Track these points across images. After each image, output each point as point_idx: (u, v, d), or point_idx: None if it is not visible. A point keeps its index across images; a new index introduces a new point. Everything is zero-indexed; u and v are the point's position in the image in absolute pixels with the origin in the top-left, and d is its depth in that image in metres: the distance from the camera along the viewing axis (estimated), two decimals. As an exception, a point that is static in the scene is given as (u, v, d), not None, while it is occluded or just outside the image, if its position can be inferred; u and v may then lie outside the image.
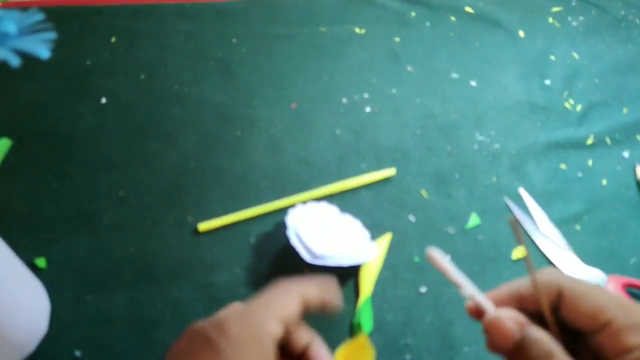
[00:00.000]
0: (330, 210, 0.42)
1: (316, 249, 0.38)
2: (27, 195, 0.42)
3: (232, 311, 0.20)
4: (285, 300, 0.21)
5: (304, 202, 0.43)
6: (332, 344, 0.33)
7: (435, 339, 0.37)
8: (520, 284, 0.22)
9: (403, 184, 0.46)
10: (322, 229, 0.40)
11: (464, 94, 0.53)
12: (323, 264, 0.37)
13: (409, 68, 0.55)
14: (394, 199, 0.45)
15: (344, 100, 0.51)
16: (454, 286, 0.39)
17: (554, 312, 0.21)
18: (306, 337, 0.22)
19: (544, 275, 0.21)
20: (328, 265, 0.37)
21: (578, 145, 0.50)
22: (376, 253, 0.40)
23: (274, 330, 0.20)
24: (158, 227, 0.41)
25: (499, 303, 0.22)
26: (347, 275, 0.40)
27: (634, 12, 0.63)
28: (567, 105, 0.53)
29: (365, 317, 0.37)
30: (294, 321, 0.21)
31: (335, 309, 0.23)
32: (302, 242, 0.38)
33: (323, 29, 0.58)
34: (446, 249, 0.42)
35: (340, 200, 0.44)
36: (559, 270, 0.22)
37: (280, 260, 0.40)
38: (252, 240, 0.41)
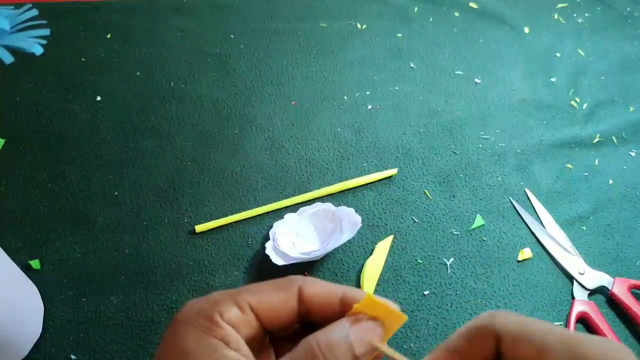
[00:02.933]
0: (321, 209, 0.41)
1: (291, 252, 0.38)
2: (21, 196, 0.41)
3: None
4: (269, 288, 0.19)
5: (301, 203, 0.42)
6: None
7: (438, 343, 0.37)
8: (454, 338, 0.19)
9: (406, 183, 0.45)
10: (298, 232, 0.40)
11: (468, 91, 0.52)
12: (308, 260, 0.37)
13: (412, 64, 0.54)
14: (397, 199, 0.44)
15: (345, 98, 0.50)
16: (457, 289, 0.39)
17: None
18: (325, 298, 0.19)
19: (478, 319, 0.19)
20: (315, 260, 0.37)
21: (584, 144, 0.49)
22: (358, 226, 0.39)
23: (227, 313, 0.18)
24: (154, 227, 0.40)
25: None
26: (348, 277, 0.39)
27: (640, 8, 0.62)
28: (573, 103, 0.52)
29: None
30: (282, 311, 0.19)
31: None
32: (276, 250, 0.38)
33: (323, 24, 0.57)
34: (450, 251, 0.41)
35: (341, 200, 0.43)
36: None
37: (279, 262, 0.39)
38: (250, 241, 0.40)
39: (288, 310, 0.19)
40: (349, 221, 0.39)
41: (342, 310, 0.19)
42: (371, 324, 0.18)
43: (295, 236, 0.39)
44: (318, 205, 0.41)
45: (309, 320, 0.20)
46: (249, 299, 0.19)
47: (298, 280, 0.20)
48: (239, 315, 0.18)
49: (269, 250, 0.38)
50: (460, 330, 0.19)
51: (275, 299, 0.19)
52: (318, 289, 0.20)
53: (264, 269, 0.39)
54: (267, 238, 0.40)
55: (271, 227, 0.40)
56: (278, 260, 0.37)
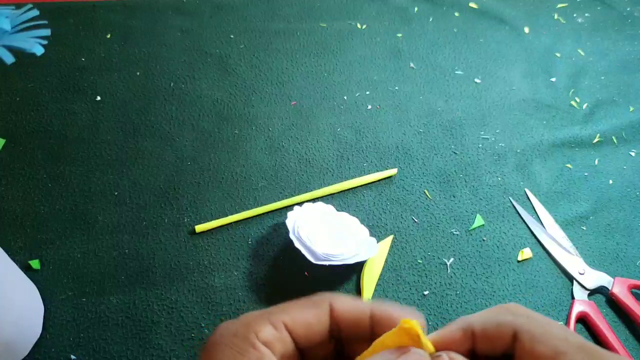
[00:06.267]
0: (326, 209, 0.41)
1: (319, 250, 0.37)
2: (21, 195, 0.41)
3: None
4: (301, 306, 0.20)
5: (302, 202, 0.42)
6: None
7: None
8: (473, 321, 0.20)
9: (406, 183, 0.45)
10: (322, 229, 0.39)
11: (468, 91, 0.52)
12: (329, 264, 0.36)
13: (412, 64, 0.54)
14: (397, 199, 0.44)
15: (345, 98, 0.50)
16: (457, 289, 0.39)
17: (509, 355, 0.19)
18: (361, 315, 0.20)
19: (498, 314, 0.19)
20: (331, 265, 0.37)
21: (584, 144, 0.49)
22: (378, 248, 0.39)
23: (263, 333, 0.18)
24: (154, 227, 0.40)
25: (451, 341, 0.20)
26: (348, 278, 0.39)
27: (640, 8, 0.62)
28: (573, 103, 0.52)
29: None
30: (316, 327, 0.19)
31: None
32: (304, 245, 0.37)
33: (323, 24, 0.57)
34: (450, 251, 0.41)
35: (341, 200, 0.43)
36: (516, 306, 0.20)
37: (279, 262, 0.39)
38: (250, 241, 0.40)
39: (321, 327, 0.20)
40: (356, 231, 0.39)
41: (372, 327, 0.19)
42: (417, 355, 0.18)
43: (316, 234, 0.38)
44: (330, 208, 0.41)
45: (339, 337, 0.20)
46: (283, 318, 0.19)
47: (328, 296, 0.20)
48: (274, 334, 0.19)
49: (298, 244, 0.37)
50: (482, 316, 0.19)
51: (309, 317, 0.19)
52: (348, 305, 0.20)
53: (263, 269, 0.39)
54: (269, 237, 0.40)
55: (279, 223, 0.40)
56: (310, 258, 0.36)
